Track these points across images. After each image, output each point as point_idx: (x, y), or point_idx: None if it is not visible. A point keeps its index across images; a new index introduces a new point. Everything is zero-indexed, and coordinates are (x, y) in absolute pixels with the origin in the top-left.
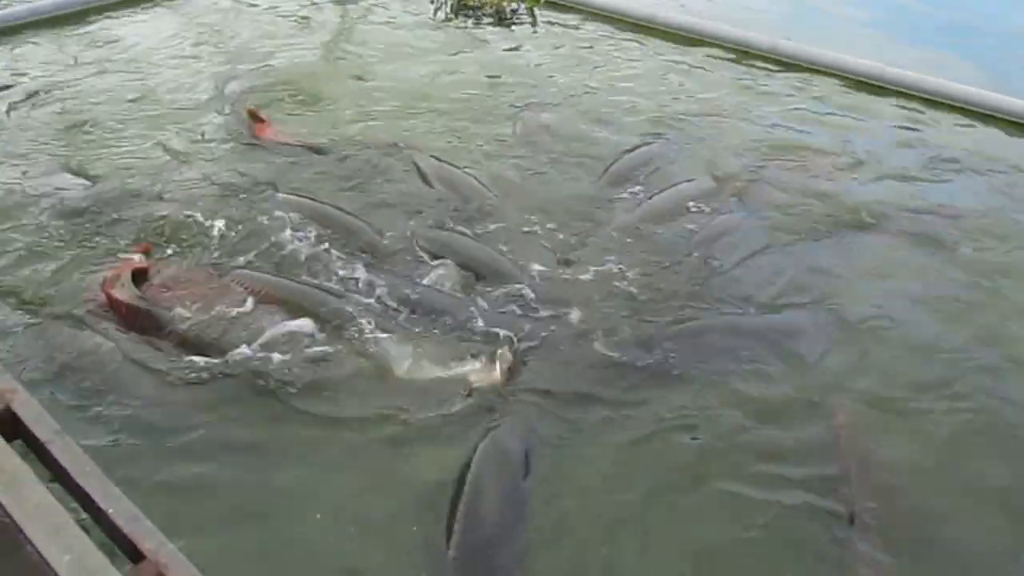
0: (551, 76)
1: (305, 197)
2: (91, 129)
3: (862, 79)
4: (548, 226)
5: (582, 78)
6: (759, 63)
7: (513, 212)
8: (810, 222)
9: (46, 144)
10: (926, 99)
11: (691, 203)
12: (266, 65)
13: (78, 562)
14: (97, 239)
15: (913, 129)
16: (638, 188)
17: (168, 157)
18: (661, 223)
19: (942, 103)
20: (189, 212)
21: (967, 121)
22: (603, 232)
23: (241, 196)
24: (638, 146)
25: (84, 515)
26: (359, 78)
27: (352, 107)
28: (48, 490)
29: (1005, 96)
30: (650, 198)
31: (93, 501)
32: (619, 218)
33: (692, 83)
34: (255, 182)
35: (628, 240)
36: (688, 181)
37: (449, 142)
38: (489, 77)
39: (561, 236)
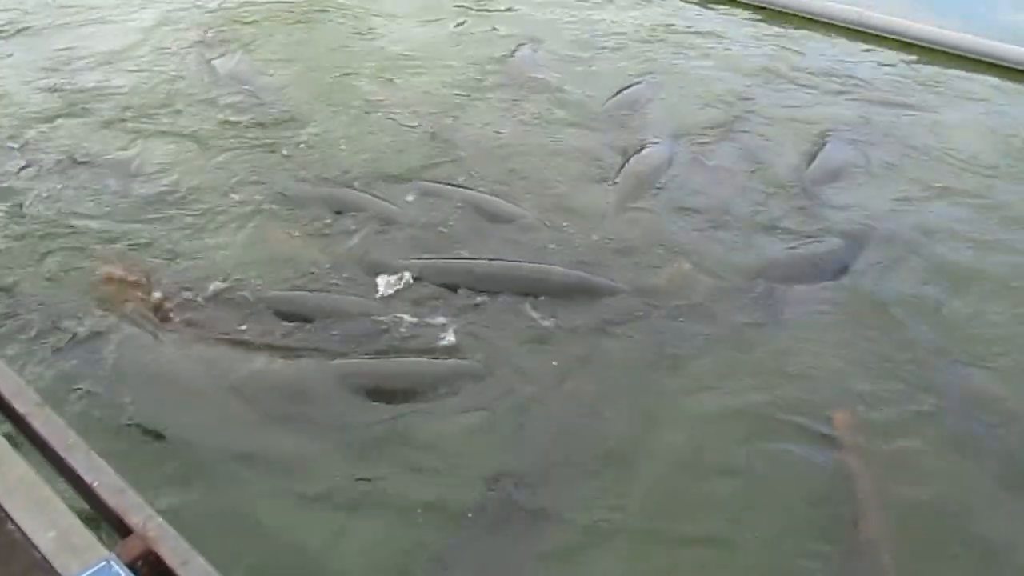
0: (542, 17)
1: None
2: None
3: (842, 24)
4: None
5: (570, 19)
6: (740, 10)
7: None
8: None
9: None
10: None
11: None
12: None
13: (63, 539)
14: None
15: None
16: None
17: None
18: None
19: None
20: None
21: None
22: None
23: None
24: (627, 86)
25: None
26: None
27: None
28: (30, 464)
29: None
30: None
31: (77, 474)
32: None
33: (681, 23)
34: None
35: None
36: (653, 144)
37: (443, 86)
38: (485, 26)
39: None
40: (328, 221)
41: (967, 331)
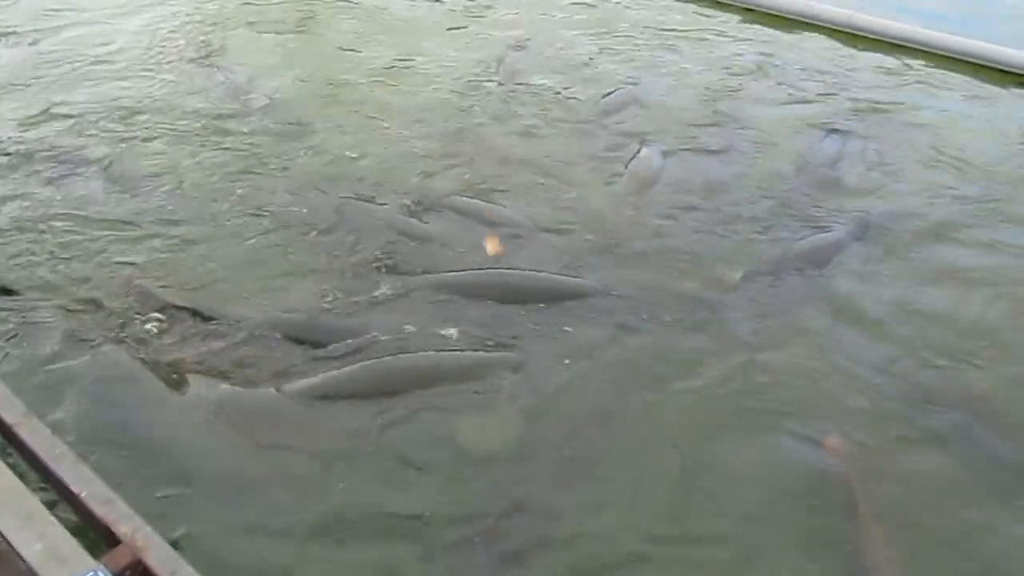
0: (536, 19)
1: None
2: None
3: (832, 26)
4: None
5: (564, 21)
6: (729, 13)
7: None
8: None
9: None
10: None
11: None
12: None
13: (50, 550)
14: None
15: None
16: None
17: None
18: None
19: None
20: None
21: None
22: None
23: None
24: (621, 87)
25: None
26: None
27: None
28: (16, 475)
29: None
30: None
31: (65, 484)
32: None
33: (674, 25)
34: None
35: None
36: (651, 144)
37: (442, 90)
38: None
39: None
40: (333, 234)
41: (967, 333)
